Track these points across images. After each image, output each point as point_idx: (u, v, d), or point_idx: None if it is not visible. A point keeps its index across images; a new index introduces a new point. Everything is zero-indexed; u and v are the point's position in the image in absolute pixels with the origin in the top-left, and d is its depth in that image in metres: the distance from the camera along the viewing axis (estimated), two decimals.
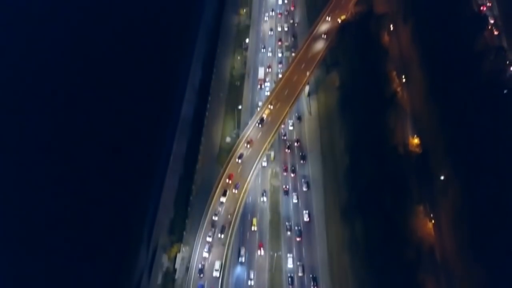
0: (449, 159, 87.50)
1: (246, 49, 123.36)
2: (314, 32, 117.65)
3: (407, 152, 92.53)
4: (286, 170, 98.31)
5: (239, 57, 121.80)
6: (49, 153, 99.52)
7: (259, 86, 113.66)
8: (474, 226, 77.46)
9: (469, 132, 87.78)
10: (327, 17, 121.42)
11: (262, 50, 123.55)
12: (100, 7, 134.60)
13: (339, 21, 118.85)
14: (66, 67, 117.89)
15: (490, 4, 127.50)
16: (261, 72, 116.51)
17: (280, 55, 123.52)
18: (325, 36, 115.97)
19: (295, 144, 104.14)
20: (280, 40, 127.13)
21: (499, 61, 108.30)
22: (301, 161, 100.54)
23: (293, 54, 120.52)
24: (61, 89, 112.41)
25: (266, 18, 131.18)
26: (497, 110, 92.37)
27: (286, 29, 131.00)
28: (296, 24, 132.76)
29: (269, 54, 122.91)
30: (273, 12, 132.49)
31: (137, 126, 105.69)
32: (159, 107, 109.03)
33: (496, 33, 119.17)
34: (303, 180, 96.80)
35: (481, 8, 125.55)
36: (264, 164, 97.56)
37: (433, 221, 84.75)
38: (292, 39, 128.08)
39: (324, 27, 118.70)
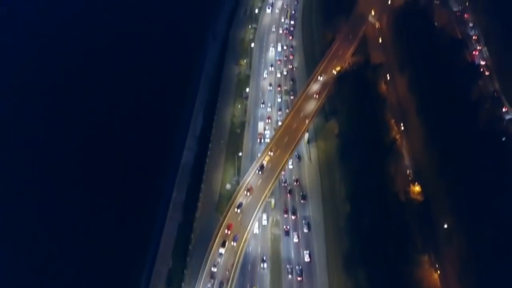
0: (452, 207, 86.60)
1: (246, 98, 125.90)
2: (313, 81, 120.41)
3: (408, 200, 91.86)
4: (286, 212, 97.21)
5: (239, 105, 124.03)
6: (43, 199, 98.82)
7: (258, 140, 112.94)
8: (481, 277, 75.15)
9: (471, 179, 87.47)
10: (325, 67, 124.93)
11: (262, 105, 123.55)
12: (105, 55, 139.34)
13: (335, 72, 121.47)
14: (67, 117, 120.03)
15: (480, 48, 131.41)
16: (260, 126, 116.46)
17: (279, 100, 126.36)
18: (323, 85, 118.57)
19: (295, 183, 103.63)
20: (279, 85, 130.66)
21: (495, 109, 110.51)
22: (302, 201, 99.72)
23: (291, 97, 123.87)
24: (62, 137, 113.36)
25: (265, 75, 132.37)
26: (497, 157, 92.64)
27: (285, 73, 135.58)
28: (294, 69, 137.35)
29: (269, 106, 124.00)
30: (272, 67, 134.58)
31: (137, 173, 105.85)
32: (160, 154, 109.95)
33: (487, 73, 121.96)
34: (303, 221, 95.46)
35: (473, 52, 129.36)
36: (264, 222, 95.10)
37: (438, 272, 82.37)
38: (291, 82, 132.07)
39: (322, 76, 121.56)
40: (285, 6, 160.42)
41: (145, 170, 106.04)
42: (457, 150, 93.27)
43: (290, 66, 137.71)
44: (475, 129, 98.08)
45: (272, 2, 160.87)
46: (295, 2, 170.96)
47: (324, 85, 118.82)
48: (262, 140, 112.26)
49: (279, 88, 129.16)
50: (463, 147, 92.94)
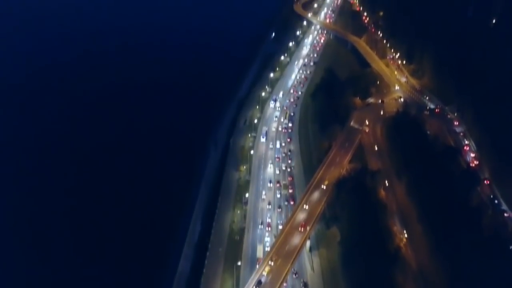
0: None
1: (246, 203, 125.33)
2: (311, 187, 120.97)
3: None
4: None
5: (239, 211, 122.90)
6: None
7: (257, 266, 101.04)
8: None
9: None
10: (323, 174, 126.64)
11: (260, 227, 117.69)
12: (109, 162, 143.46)
13: (325, 184, 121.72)
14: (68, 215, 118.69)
15: (474, 155, 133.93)
16: (259, 250, 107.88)
17: (278, 196, 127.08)
18: (322, 192, 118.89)
19: None
20: (278, 182, 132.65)
21: (498, 216, 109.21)
22: None
23: (290, 191, 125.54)
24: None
25: (264, 195, 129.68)
26: (506, 265, 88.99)
27: (284, 168, 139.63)
28: (292, 168, 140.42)
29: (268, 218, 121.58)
30: (271, 184, 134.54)
31: (131, 283, 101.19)
32: (155, 264, 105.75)
33: (486, 182, 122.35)
34: None
35: (468, 159, 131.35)
36: None
37: None
38: (290, 178, 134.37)
39: (320, 183, 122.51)
40: (282, 122, 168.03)
41: (139, 280, 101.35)
42: (464, 259, 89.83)
43: (289, 171, 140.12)
44: (480, 237, 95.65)
45: (270, 114, 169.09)
46: (294, 105, 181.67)
47: (323, 192, 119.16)
48: (261, 276, 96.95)
49: (278, 185, 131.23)
50: (470, 256, 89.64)
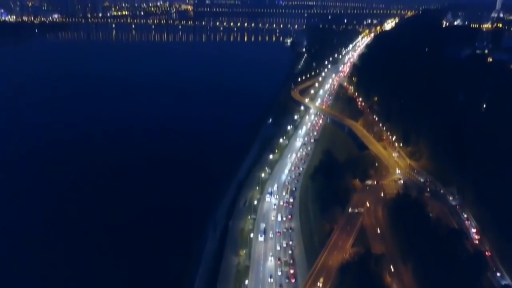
0: None
1: None
2: (314, 273, 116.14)
3: None
4: None
5: None
6: None
7: None
8: None
9: None
10: (326, 259, 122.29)
11: None
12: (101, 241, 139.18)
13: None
14: None
15: (480, 237, 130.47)
16: None
17: (279, 273, 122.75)
18: (326, 276, 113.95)
19: None
20: (279, 258, 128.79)
21: None
22: None
23: (291, 271, 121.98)
24: None
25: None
26: None
27: (284, 245, 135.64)
28: (293, 249, 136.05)
29: None
30: (271, 279, 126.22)
31: None
32: None
33: (494, 268, 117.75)
34: None
35: (474, 242, 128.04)
36: None
37: None
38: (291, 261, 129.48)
39: (322, 268, 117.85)
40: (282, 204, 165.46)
41: None
42: None
43: (290, 253, 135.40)
44: None
45: (271, 191, 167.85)
46: (296, 181, 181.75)
47: (326, 277, 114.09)
48: None
49: (279, 262, 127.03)
50: None
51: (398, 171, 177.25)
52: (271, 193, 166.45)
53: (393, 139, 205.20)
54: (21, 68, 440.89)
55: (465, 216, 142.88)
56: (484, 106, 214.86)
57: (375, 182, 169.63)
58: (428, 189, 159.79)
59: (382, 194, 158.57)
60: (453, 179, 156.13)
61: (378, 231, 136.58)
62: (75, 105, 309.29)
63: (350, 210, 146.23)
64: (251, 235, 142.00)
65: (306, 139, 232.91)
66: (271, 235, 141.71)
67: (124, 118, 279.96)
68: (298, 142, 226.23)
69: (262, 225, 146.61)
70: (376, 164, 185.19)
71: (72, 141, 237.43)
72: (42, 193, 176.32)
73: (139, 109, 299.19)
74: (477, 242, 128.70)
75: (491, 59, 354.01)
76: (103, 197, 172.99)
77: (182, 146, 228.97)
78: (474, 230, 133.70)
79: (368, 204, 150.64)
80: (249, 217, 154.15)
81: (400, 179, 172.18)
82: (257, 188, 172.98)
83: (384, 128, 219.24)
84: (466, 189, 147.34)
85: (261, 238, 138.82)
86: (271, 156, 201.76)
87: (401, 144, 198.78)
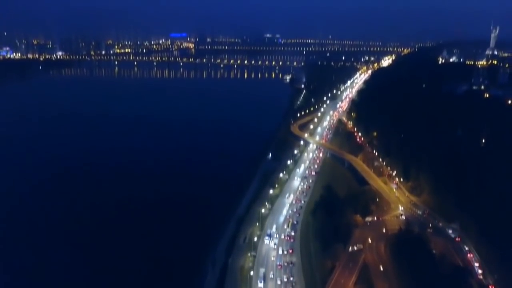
0: None
1: None
2: None
3: None
4: None
5: None
6: None
7: None
8: None
9: None
10: None
11: None
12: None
13: None
14: None
15: (484, 273, 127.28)
16: None
17: None
18: None
19: None
20: None
21: None
22: None
23: None
24: None
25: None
26: None
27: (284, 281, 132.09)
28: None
29: None
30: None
31: None
32: None
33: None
34: None
35: (479, 280, 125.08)
36: None
37: None
38: None
39: None
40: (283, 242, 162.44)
41: None
42: None
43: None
44: None
45: (270, 233, 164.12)
46: (297, 214, 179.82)
47: None
48: None
49: None
50: None
51: (401, 208, 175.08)
52: (270, 235, 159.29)
53: (394, 173, 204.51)
54: (23, 103, 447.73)
55: (467, 249, 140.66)
56: (483, 141, 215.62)
57: (376, 218, 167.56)
58: (430, 225, 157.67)
59: (384, 230, 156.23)
60: (455, 214, 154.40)
61: (381, 269, 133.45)
62: (74, 140, 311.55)
63: (351, 247, 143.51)
64: (251, 273, 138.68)
65: (307, 172, 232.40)
66: (271, 275, 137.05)
67: (123, 152, 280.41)
68: (299, 177, 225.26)
69: (262, 270, 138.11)
70: (377, 199, 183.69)
71: (72, 173, 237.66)
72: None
73: (138, 144, 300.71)
74: (481, 277, 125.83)
75: (487, 95, 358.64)
76: (101, 233, 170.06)
77: (182, 180, 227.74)
78: (477, 264, 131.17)
79: (370, 241, 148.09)
80: (249, 254, 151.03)
81: (401, 214, 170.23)
82: (257, 224, 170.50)
83: (384, 163, 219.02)
84: (468, 223, 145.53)
85: (260, 284, 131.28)
86: (271, 191, 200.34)
87: (401, 179, 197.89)
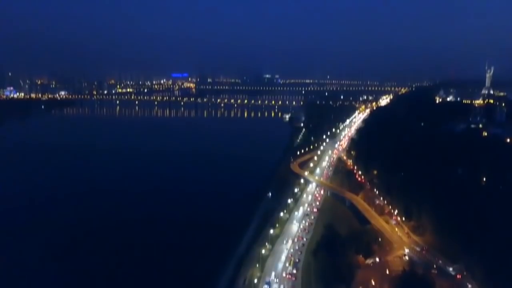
0: None
1: None
2: None
3: None
4: None
5: None
6: None
7: None
8: None
9: None
10: None
11: None
12: None
13: None
14: None
15: None
16: None
17: None
18: None
19: None
20: None
21: None
22: None
23: None
24: None
25: None
26: None
27: None
28: None
29: None
30: None
31: None
32: None
33: None
34: None
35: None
36: None
37: None
38: None
39: None
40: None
41: None
42: None
43: None
44: None
45: (269, 280, 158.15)
46: (299, 252, 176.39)
47: None
48: None
49: None
50: None
51: (406, 250, 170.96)
52: (269, 284, 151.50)
53: (395, 213, 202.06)
54: (24, 141, 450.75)
55: (470, 287, 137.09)
56: (484, 179, 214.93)
57: (378, 259, 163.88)
58: (435, 265, 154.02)
59: (387, 271, 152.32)
60: (459, 254, 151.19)
61: None
62: (73, 175, 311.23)
63: (355, 284, 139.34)
64: None
65: (308, 209, 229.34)
66: None
67: (120, 190, 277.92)
68: (300, 216, 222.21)
69: None
70: (379, 239, 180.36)
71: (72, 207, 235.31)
72: None
73: (134, 183, 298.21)
74: None
75: (486, 133, 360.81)
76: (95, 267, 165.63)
77: (180, 219, 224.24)
78: None
79: (373, 283, 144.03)
80: None
81: (405, 255, 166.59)
82: (257, 265, 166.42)
83: (386, 202, 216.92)
84: (473, 263, 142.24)
85: None
86: (271, 231, 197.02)
87: (403, 218, 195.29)
